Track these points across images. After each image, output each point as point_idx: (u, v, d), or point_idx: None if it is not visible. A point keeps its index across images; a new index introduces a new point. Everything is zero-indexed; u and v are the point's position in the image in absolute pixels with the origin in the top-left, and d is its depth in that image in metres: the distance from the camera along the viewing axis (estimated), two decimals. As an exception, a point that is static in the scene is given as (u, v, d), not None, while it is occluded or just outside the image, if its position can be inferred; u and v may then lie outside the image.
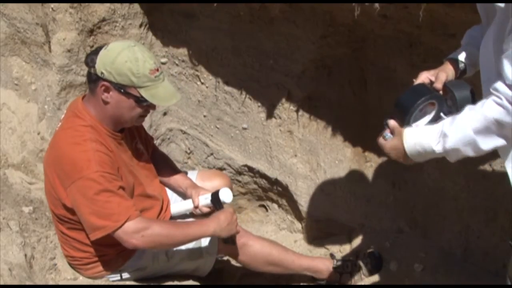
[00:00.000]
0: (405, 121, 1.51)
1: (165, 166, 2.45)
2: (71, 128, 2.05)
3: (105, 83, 1.98)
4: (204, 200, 2.30)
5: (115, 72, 1.95)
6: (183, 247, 2.28)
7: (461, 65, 1.62)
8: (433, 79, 1.61)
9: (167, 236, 2.08)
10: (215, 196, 2.27)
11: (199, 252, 2.31)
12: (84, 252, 2.18)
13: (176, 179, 2.43)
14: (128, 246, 2.05)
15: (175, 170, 2.47)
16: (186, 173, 2.55)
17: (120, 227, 1.99)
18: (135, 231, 2.00)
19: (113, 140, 2.10)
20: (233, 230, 2.22)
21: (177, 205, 2.40)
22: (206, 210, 2.32)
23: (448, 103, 1.56)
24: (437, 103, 1.53)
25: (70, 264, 2.30)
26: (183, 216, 2.40)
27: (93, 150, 1.98)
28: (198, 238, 2.20)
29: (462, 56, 1.62)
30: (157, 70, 2.00)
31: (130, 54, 1.96)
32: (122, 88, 1.98)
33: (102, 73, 1.97)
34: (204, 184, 2.46)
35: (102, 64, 1.96)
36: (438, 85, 1.58)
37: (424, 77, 1.62)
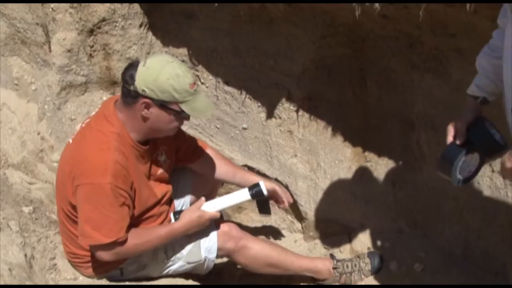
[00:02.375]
0: (452, 174, 1.66)
1: (222, 165, 2.53)
2: (99, 131, 2.08)
3: (147, 100, 2.01)
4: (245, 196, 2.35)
5: (158, 90, 1.99)
6: (182, 249, 2.30)
7: (479, 99, 1.65)
8: (452, 134, 1.66)
9: (138, 250, 2.17)
10: (257, 192, 2.34)
11: (198, 253, 2.32)
12: (86, 250, 2.20)
13: (242, 175, 2.54)
14: (98, 258, 2.14)
15: (234, 166, 2.59)
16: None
17: (106, 244, 2.05)
18: (113, 251, 2.09)
19: (136, 151, 2.13)
20: (201, 224, 2.26)
21: (231, 198, 2.38)
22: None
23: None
24: (476, 151, 1.63)
25: (70, 262, 2.30)
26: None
27: (113, 161, 2.02)
28: (168, 241, 2.24)
29: (478, 90, 1.65)
30: (195, 83, 2.06)
31: (171, 70, 1.99)
32: (163, 104, 2.02)
33: (143, 90, 1.99)
34: None
35: (143, 81, 1.99)
36: (460, 142, 1.63)
37: (450, 139, 1.67)
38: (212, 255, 2.33)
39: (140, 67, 2.01)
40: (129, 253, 2.16)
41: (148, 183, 2.22)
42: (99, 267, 2.25)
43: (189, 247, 2.31)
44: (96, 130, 2.10)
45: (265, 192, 2.35)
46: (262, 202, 2.51)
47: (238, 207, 3.29)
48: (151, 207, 2.25)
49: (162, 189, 2.31)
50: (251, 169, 3.05)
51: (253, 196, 2.35)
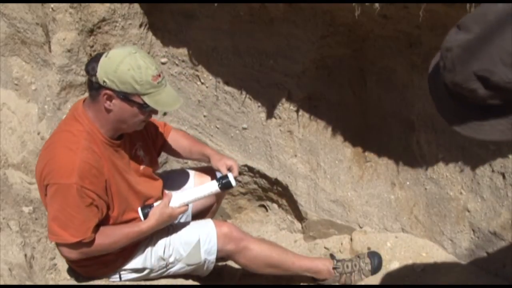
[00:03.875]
0: None
1: (183, 143, 2.51)
2: (68, 131, 2.07)
3: (108, 91, 1.97)
4: (213, 187, 2.31)
5: (118, 81, 1.94)
6: (182, 251, 2.29)
7: None
8: None
9: (103, 249, 2.13)
10: (225, 183, 2.30)
11: (198, 255, 2.31)
12: None
13: (199, 150, 2.49)
14: (64, 257, 2.13)
15: (194, 144, 2.54)
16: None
17: (72, 243, 2.04)
18: (79, 250, 2.07)
19: (109, 147, 2.10)
20: (171, 221, 2.24)
21: (199, 190, 2.32)
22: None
23: None
24: None
25: (69, 265, 2.30)
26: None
27: (81, 161, 1.99)
28: (136, 239, 2.21)
29: None
30: (159, 75, 1.99)
31: (132, 61, 1.94)
32: (125, 96, 1.98)
33: (104, 81, 1.96)
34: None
35: (104, 72, 1.95)
36: None
37: None
38: (212, 256, 2.33)
39: (102, 58, 1.97)
40: (95, 253, 2.13)
41: (128, 178, 2.19)
42: (97, 271, 2.24)
43: (188, 249, 2.30)
44: (65, 131, 2.08)
45: (233, 184, 2.31)
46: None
47: (238, 207, 3.30)
48: (137, 203, 2.23)
49: (149, 186, 2.29)
50: (251, 169, 3.05)
51: (222, 188, 2.31)
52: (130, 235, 2.16)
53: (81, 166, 1.98)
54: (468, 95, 1.06)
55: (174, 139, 2.52)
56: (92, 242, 2.07)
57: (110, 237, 2.13)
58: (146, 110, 2.02)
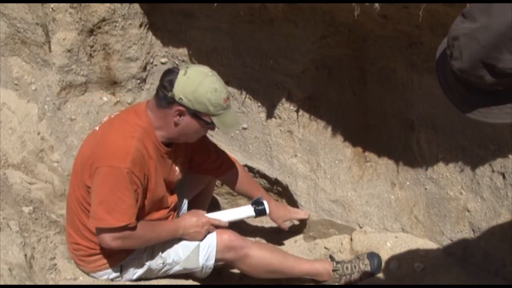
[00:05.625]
0: None
1: (245, 182, 2.68)
2: (126, 121, 2.17)
3: (181, 108, 2.09)
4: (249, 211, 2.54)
5: (195, 101, 2.07)
6: (181, 253, 2.32)
7: None
8: None
9: (143, 240, 2.21)
10: (260, 210, 2.54)
11: (196, 260, 2.32)
12: (91, 242, 2.23)
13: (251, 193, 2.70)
14: (103, 245, 2.16)
15: (248, 183, 2.71)
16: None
17: (116, 227, 2.07)
18: (123, 236, 2.11)
19: (157, 150, 2.19)
20: (197, 238, 2.32)
21: (234, 212, 2.54)
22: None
23: None
24: None
25: (72, 256, 2.31)
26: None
27: (135, 148, 2.08)
28: (169, 238, 2.30)
29: None
30: (228, 98, 2.14)
31: (210, 84, 2.08)
32: (196, 114, 2.11)
33: (181, 98, 2.07)
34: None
35: (182, 90, 2.06)
36: None
37: None
38: (210, 262, 2.34)
39: (181, 76, 2.08)
40: (136, 241, 2.17)
41: (162, 184, 2.27)
42: (101, 261, 2.25)
43: (187, 253, 2.32)
44: (123, 120, 2.18)
45: (267, 211, 2.54)
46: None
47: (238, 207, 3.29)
48: (159, 209, 2.30)
49: (171, 197, 2.39)
50: (251, 169, 3.05)
51: (256, 214, 2.52)
52: (167, 228, 2.26)
53: (135, 153, 2.07)
54: (476, 81, 1.11)
55: (236, 176, 2.64)
56: (135, 228, 2.12)
57: (151, 226, 2.21)
58: (209, 127, 2.17)
